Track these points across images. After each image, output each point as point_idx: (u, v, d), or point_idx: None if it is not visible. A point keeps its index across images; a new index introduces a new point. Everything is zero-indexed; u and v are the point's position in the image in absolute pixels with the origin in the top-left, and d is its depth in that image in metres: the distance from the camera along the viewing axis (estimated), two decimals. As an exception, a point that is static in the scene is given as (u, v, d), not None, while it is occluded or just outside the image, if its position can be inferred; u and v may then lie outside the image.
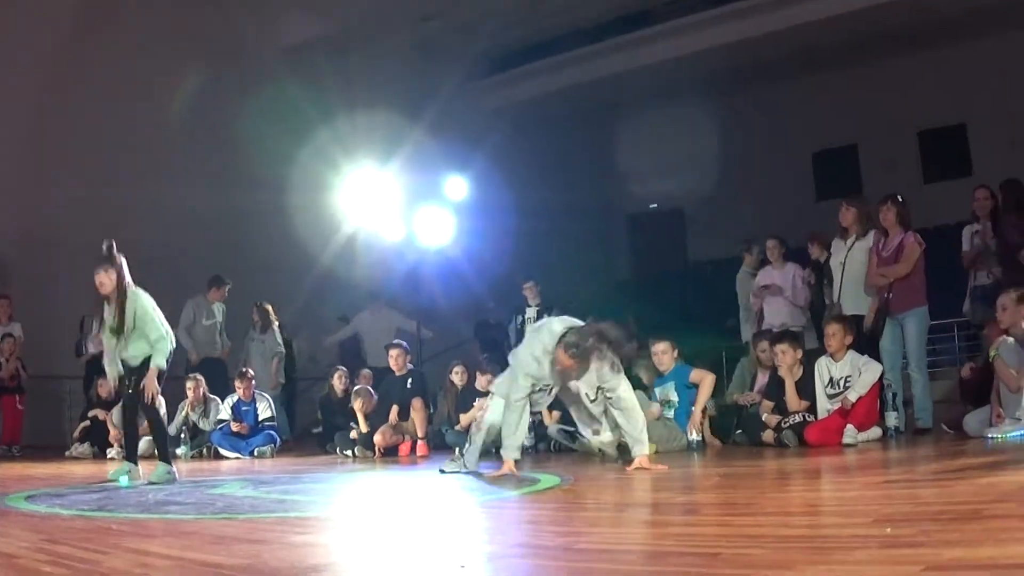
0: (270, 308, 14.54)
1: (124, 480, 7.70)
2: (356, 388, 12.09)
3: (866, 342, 9.62)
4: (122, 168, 15.30)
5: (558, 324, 7.30)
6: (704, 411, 9.82)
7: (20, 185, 14.74)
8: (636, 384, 10.82)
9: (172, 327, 8.43)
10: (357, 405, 11.59)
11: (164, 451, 8.26)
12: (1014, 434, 7.96)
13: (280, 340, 14.55)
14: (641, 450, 7.28)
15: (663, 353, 9.97)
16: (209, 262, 14.76)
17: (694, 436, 9.50)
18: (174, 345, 8.14)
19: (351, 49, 18.13)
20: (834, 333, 9.24)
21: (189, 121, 15.71)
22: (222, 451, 12.21)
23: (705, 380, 9.74)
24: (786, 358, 9.46)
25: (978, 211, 10.87)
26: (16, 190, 14.75)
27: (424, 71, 19.30)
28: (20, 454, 13.17)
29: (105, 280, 7.88)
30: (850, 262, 10.32)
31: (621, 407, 7.41)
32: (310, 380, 16.61)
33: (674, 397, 9.82)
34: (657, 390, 10.01)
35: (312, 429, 14.33)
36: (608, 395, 7.43)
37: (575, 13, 19.58)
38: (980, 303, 10.67)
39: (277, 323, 14.60)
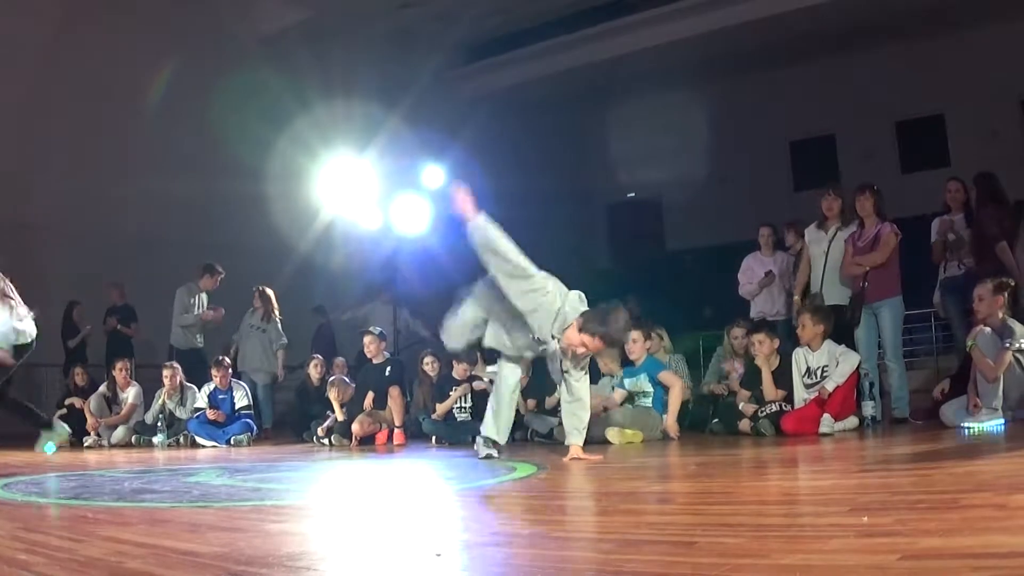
0: (272, 295, 14.47)
1: (51, 447, 7.51)
2: (331, 378, 12.09)
3: (842, 331, 9.64)
4: (103, 157, 15.25)
5: (578, 301, 7.17)
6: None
7: (2, 173, 14.68)
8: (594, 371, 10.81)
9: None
10: (332, 394, 11.59)
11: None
12: (991, 424, 8.01)
13: (282, 331, 14.52)
14: (575, 440, 7.26)
15: (635, 342, 9.94)
16: (187, 250, 14.74)
17: (671, 438, 9.50)
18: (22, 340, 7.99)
19: (329, 37, 18.07)
20: (804, 324, 9.26)
21: (167, 109, 15.66)
22: (198, 439, 12.19)
23: (674, 388, 9.67)
24: (763, 348, 9.49)
25: (951, 203, 10.89)
26: (-1, 179, 14.73)
27: (402, 59, 19.25)
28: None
29: None
30: (833, 251, 10.34)
31: (572, 395, 7.36)
32: (286, 368, 16.60)
33: (648, 388, 9.79)
34: (627, 381, 9.98)
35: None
36: (566, 374, 7.37)
37: (553, 1, 19.57)
38: (950, 295, 10.71)
39: (279, 313, 14.56)
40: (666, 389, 9.70)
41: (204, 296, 14.27)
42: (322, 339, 16.41)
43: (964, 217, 10.70)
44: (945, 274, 10.84)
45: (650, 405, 9.71)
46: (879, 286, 9.81)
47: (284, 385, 15.82)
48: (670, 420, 9.49)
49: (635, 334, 9.96)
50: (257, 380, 14.18)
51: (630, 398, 9.89)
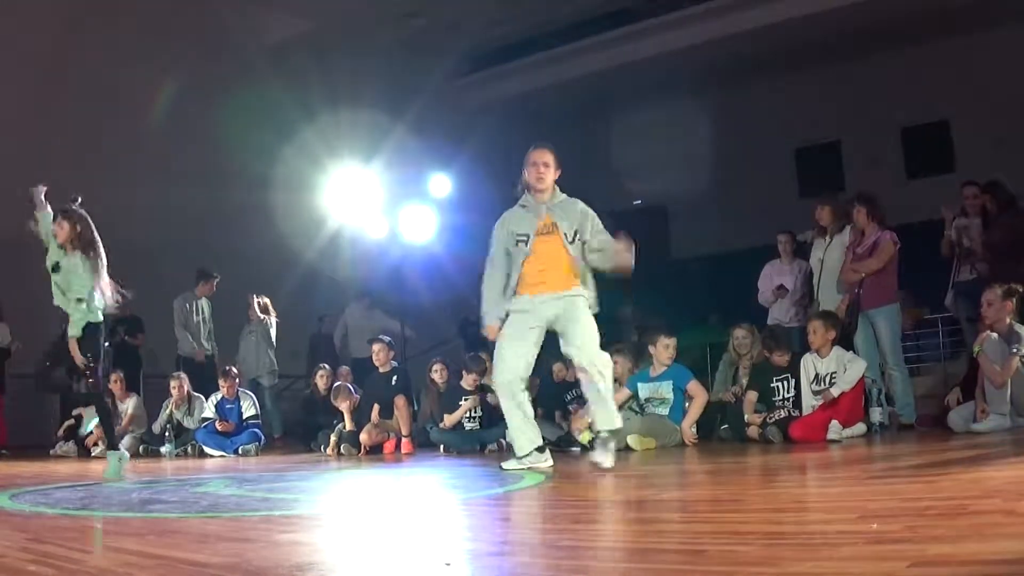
0: (258, 301, 14.48)
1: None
2: (336, 385, 12.06)
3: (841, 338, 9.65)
4: (107, 166, 15.23)
5: None
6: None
7: (3, 184, 14.69)
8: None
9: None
10: (343, 406, 11.56)
11: (111, 438, 8.20)
12: (998, 429, 8.00)
13: (274, 334, 14.55)
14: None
15: (666, 348, 9.94)
16: (193, 260, 14.74)
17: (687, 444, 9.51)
18: (98, 318, 8.00)
19: (334, 47, 18.07)
20: (816, 330, 9.29)
21: (172, 118, 15.65)
22: (207, 449, 12.21)
23: (698, 398, 9.72)
24: (781, 360, 9.57)
25: (969, 208, 10.88)
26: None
27: (407, 68, 19.24)
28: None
29: (58, 230, 8.41)
30: (828, 258, 10.40)
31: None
32: (291, 378, 16.59)
33: (668, 395, 9.79)
34: (644, 386, 9.95)
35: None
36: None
37: (558, 10, 19.57)
38: (963, 298, 10.70)
39: (275, 318, 14.59)
40: (688, 398, 9.71)
41: (204, 303, 14.30)
42: (324, 348, 16.40)
43: (981, 222, 10.70)
44: (958, 277, 10.83)
45: (665, 413, 9.70)
46: (874, 294, 9.85)
47: (290, 395, 15.84)
48: (686, 426, 9.50)
49: (669, 340, 9.97)
50: (262, 382, 14.18)
51: (640, 404, 9.90)
